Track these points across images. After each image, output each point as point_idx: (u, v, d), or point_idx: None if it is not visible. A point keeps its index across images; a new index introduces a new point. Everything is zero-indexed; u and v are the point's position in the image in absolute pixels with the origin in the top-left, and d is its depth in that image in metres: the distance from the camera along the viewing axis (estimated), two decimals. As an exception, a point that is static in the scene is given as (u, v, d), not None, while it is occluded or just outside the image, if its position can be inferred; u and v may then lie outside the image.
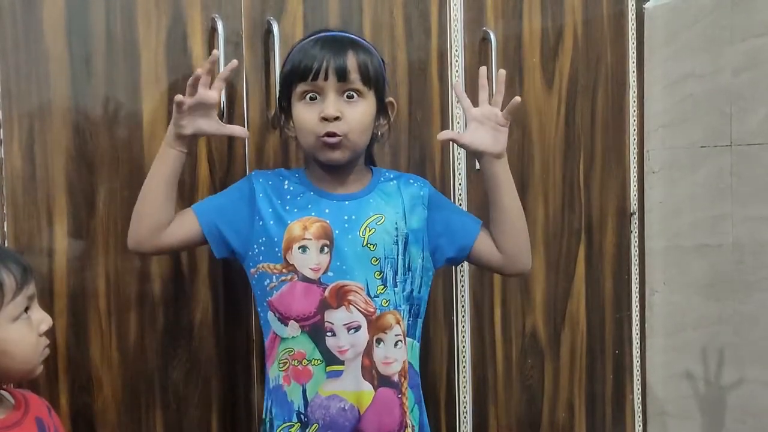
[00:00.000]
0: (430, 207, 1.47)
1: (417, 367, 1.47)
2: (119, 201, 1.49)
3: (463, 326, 1.90)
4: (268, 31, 1.61)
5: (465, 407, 1.92)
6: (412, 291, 1.43)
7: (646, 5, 2.17)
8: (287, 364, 1.39)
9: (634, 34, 2.15)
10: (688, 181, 2.08)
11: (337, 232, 1.39)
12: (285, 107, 1.44)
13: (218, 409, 1.61)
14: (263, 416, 1.45)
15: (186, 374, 1.57)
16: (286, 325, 1.39)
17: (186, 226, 1.41)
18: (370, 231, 1.39)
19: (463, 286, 1.89)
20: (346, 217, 1.40)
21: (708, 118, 2.02)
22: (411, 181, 1.50)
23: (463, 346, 1.91)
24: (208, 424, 1.60)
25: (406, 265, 1.42)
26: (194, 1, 1.55)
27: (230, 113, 1.58)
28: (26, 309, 1.12)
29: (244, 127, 1.59)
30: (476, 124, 1.44)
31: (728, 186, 1.98)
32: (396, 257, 1.41)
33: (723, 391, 2.02)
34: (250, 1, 1.60)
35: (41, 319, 1.14)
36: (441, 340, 1.87)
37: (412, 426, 1.43)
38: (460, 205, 1.86)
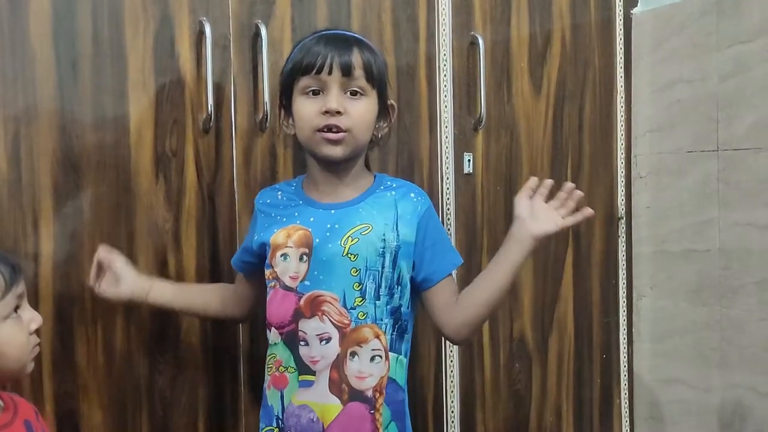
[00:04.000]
0: (419, 224, 1.41)
1: (404, 383, 1.43)
2: (105, 205, 1.48)
3: (451, 331, 1.90)
4: (257, 35, 1.60)
5: (453, 412, 1.91)
6: (400, 306, 1.40)
7: (634, 11, 2.18)
8: (272, 370, 1.41)
9: (622, 40, 2.16)
10: (676, 187, 2.09)
11: (317, 240, 1.37)
12: (285, 104, 1.44)
13: (205, 415, 1.60)
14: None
15: (172, 380, 1.56)
16: (270, 331, 1.41)
17: (242, 282, 1.53)
18: (352, 241, 1.36)
19: (451, 290, 1.89)
20: (329, 226, 1.38)
21: (695, 123, 2.03)
22: (412, 195, 1.44)
23: (451, 351, 1.90)
24: (195, 430, 1.59)
25: (395, 279, 1.39)
26: (182, 5, 1.54)
27: (218, 117, 1.58)
28: (16, 308, 1.11)
29: (231, 130, 1.59)
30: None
31: (715, 191, 1.98)
32: (380, 270, 1.37)
33: (709, 396, 2.03)
34: (238, 4, 1.60)
35: (31, 317, 1.14)
36: (428, 345, 1.87)
37: None
38: (448, 209, 1.86)
